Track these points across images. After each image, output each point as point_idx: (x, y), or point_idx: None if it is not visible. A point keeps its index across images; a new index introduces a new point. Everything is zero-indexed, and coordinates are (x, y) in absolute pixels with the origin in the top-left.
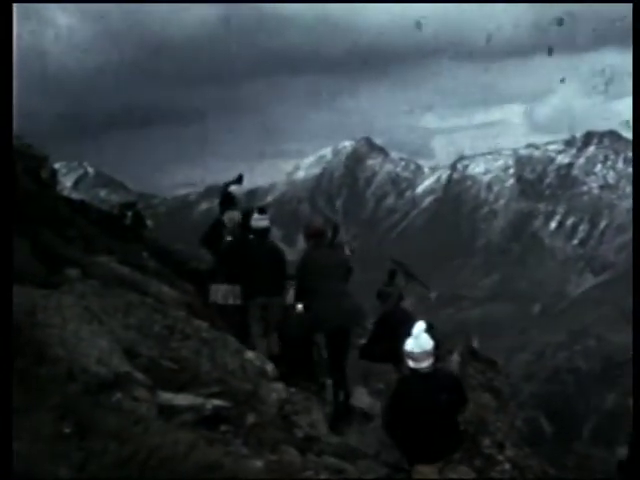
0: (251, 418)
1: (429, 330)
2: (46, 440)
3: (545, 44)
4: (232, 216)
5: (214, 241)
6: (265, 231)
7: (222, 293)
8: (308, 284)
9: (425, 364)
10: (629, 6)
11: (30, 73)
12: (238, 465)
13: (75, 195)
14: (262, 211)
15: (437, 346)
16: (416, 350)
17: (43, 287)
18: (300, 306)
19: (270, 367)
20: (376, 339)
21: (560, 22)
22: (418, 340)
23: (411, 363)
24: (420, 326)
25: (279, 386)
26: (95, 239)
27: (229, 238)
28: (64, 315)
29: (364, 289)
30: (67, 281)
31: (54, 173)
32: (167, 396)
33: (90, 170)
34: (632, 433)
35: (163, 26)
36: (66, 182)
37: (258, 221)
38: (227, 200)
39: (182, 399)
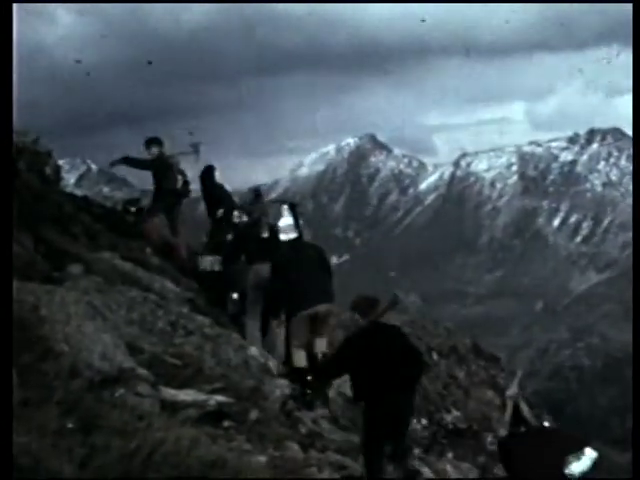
0: (254, 414)
1: (292, 209)
2: (50, 435)
3: (548, 41)
4: (177, 159)
5: (140, 166)
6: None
7: (209, 262)
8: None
9: (291, 235)
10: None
11: (32, 69)
12: (241, 461)
13: (78, 192)
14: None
15: (297, 225)
16: (285, 224)
17: (47, 283)
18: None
19: (273, 363)
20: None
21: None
22: (287, 218)
23: (282, 235)
24: (287, 207)
25: (282, 382)
26: (98, 235)
27: (180, 177)
28: (68, 311)
29: (369, 285)
30: (71, 277)
31: (58, 169)
32: (170, 392)
33: (93, 167)
34: None
35: (163, 24)
36: (69, 179)
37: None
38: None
39: (185, 395)
